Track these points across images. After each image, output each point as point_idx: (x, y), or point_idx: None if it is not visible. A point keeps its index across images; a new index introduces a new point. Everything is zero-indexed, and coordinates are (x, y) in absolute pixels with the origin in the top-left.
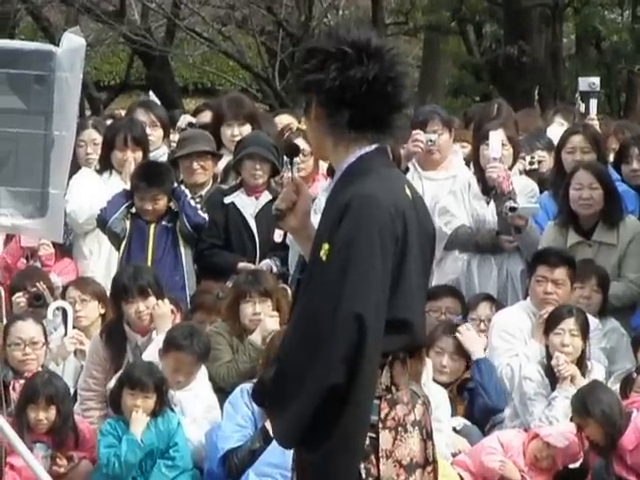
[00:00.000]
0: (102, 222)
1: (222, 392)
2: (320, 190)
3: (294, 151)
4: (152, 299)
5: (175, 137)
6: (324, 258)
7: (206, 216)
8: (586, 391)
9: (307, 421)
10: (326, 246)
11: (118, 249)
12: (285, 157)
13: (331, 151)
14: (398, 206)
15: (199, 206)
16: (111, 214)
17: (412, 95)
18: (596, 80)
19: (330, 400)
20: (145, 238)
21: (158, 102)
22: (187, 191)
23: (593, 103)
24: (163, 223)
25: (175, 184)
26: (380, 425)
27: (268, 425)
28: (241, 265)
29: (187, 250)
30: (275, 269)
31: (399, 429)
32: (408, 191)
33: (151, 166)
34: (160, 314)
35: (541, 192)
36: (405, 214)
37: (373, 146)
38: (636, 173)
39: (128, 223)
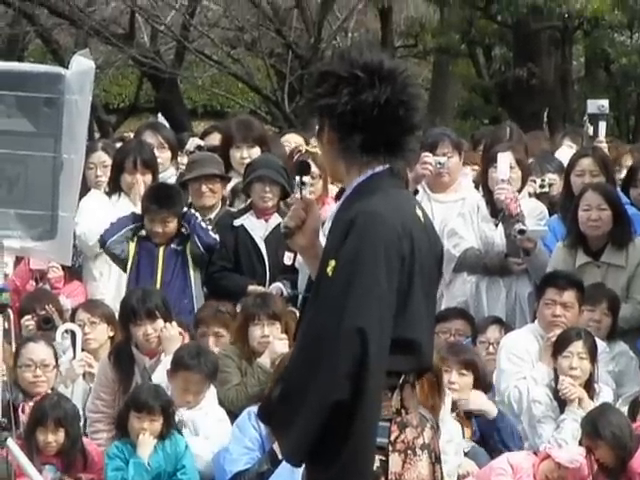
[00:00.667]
0: (101, 243)
1: (231, 415)
2: (329, 214)
3: (304, 169)
4: (160, 322)
5: (184, 160)
6: (330, 274)
7: (217, 237)
8: (596, 413)
9: (312, 437)
10: (332, 262)
11: (124, 270)
12: (296, 177)
13: (344, 174)
14: (405, 225)
15: (210, 227)
16: (110, 235)
17: (424, 117)
18: (605, 102)
19: (336, 417)
20: (154, 261)
21: (167, 124)
22: (197, 214)
23: (602, 125)
24: (172, 246)
25: (185, 208)
26: (390, 448)
27: (276, 447)
28: (251, 288)
29: (196, 274)
30: (285, 292)
31: (408, 452)
32: (419, 212)
33: (161, 188)
34: (168, 337)
35: (552, 215)
36: (412, 234)
37: (385, 166)
38: None
39: (133, 245)
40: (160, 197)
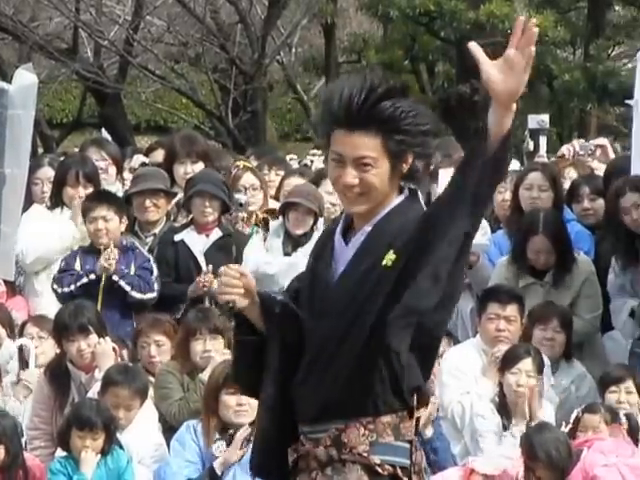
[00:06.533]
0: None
1: (173, 431)
2: (272, 229)
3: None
4: (93, 337)
5: (127, 175)
6: (389, 264)
7: (155, 291)
8: (533, 433)
9: None
10: (392, 256)
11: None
12: (235, 196)
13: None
14: None
15: (135, 294)
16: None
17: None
18: (545, 117)
19: None
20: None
21: (110, 139)
22: (118, 281)
23: (542, 140)
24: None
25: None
26: (412, 469)
27: (216, 465)
28: (191, 288)
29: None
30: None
31: (421, 474)
32: None
33: (101, 191)
34: (102, 352)
35: (494, 231)
36: None
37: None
38: (587, 212)
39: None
40: (100, 195)
